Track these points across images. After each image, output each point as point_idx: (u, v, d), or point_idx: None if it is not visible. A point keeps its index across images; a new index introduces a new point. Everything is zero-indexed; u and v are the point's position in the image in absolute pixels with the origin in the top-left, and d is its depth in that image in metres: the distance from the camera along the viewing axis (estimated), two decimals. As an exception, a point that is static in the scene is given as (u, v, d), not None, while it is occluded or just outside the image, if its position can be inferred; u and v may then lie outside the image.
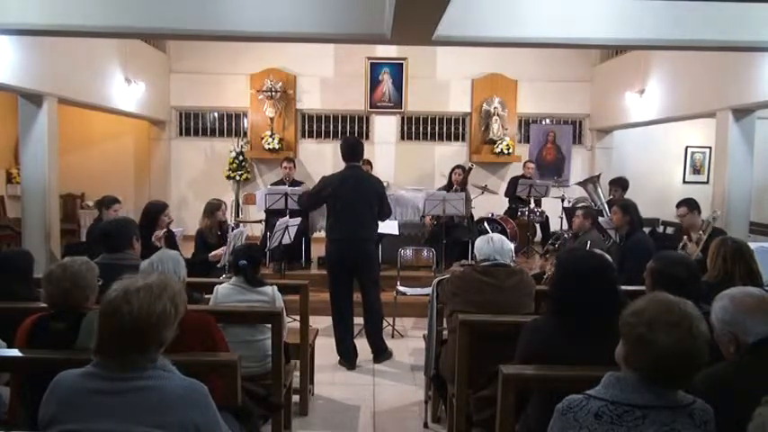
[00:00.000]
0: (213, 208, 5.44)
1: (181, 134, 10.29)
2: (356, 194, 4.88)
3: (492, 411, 2.42)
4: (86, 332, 2.30)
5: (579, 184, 8.74)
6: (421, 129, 10.33)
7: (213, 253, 5.10)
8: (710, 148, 9.66)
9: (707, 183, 9.80)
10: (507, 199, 8.80)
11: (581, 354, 2.15)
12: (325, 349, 4.90)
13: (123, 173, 10.12)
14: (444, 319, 3.59)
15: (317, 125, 10.26)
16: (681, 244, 4.84)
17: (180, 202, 10.03)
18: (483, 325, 3.02)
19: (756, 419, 1.42)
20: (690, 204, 5.20)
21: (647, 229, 5.74)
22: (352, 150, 5.01)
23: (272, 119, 9.67)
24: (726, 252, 3.28)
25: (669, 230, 8.42)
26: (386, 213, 5.13)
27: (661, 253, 2.88)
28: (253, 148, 9.84)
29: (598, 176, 8.58)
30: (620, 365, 1.70)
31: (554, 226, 8.67)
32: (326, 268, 5.14)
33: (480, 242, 3.42)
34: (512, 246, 3.43)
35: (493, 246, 3.34)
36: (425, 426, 3.86)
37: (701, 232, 4.78)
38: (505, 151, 9.71)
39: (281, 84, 9.67)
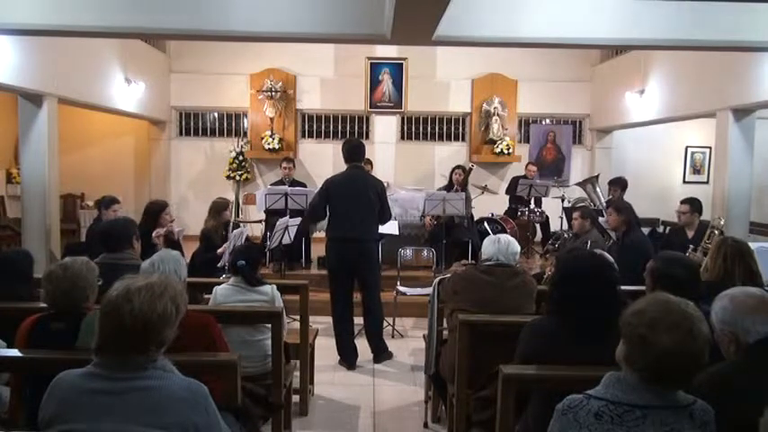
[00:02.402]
0: (220, 208, 5.40)
1: (181, 134, 10.28)
2: (357, 194, 4.88)
3: (492, 411, 2.42)
4: (86, 332, 2.30)
5: (578, 184, 8.75)
6: (421, 129, 10.33)
7: (220, 249, 5.11)
8: (710, 148, 9.67)
9: (707, 183, 9.80)
10: (507, 199, 8.80)
11: (581, 354, 2.15)
12: (325, 349, 4.90)
13: (123, 173, 10.12)
14: (444, 319, 3.59)
15: (317, 125, 10.26)
16: (686, 254, 4.84)
17: (180, 202, 10.03)
18: (483, 325, 3.02)
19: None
20: (693, 205, 5.27)
21: (647, 229, 5.76)
22: (355, 152, 5.02)
23: (272, 119, 9.67)
24: (726, 252, 3.28)
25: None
26: (386, 216, 5.12)
27: (661, 253, 2.88)
28: (253, 148, 9.84)
29: (597, 177, 8.59)
30: (620, 365, 1.70)
31: (554, 226, 8.67)
32: (327, 268, 5.13)
33: (487, 241, 3.42)
34: (518, 249, 3.42)
35: (498, 246, 3.34)
36: (425, 426, 3.86)
37: (707, 240, 4.79)
38: (505, 151, 9.71)
39: (281, 84, 9.67)
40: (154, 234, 4.51)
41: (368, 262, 4.95)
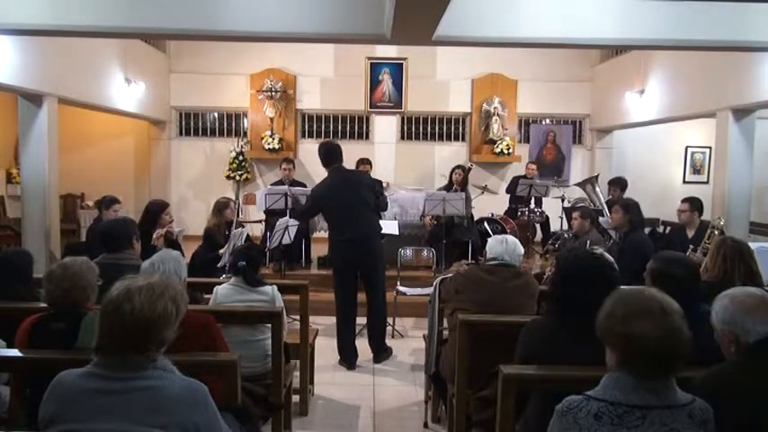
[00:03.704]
0: (222, 206, 5.46)
1: (181, 134, 10.28)
2: (348, 195, 4.86)
3: (492, 411, 2.42)
4: (86, 332, 2.30)
5: (578, 185, 8.74)
6: (421, 129, 10.33)
7: (222, 250, 5.12)
8: (710, 148, 9.67)
9: (707, 183, 9.80)
10: (507, 199, 8.80)
11: (581, 354, 2.15)
12: (325, 349, 4.91)
13: (123, 173, 10.12)
14: (445, 319, 3.59)
15: (317, 125, 10.26)
16: (687, 254, 4.84)
17: (180, 202, 10.03)
18: (483, 325, 3.02)
19: None
20: (693, 204, 5.27)
21: (647, 229, 5.75)
22: (333, 154, 4.96)
23: (272, 119, 9.67)
24: (726, 252, 3.28)
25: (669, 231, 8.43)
26: (382, 204, 5.12)
27: (661, 253, 2.87)
28: (253, 148, 9.84)
29: (596, 177, 8.59)
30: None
31: (554, 226, 8.67)
32: (332, 269, 5.09)
33: (493, 241, 3.42)
34: (522, 251, 3.43)
35: (505, 247, 3.34)
36: (425, 426, 3.86)
37: (707, 240, 4.79)
38: (505, 151, 9.71)
39: (281, 84, 9.66)
40: (154, 236, 4.51)
41: (373, 260, 4.93)
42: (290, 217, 6.10)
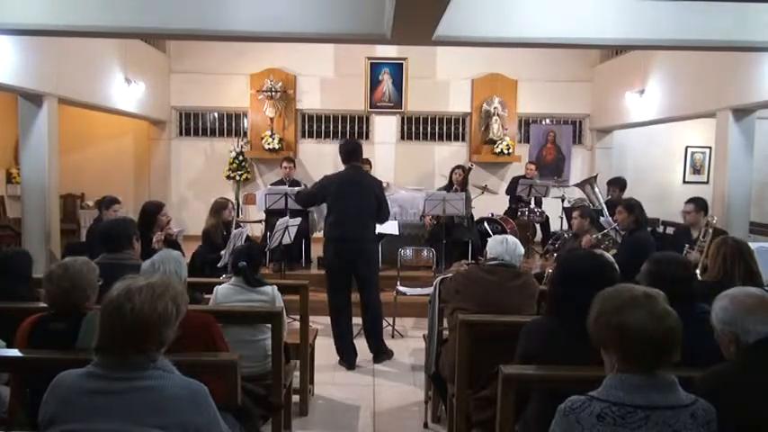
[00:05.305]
0: (219, 207, 5.44)
1: (181, 134, 10.28)
2: (356, 194, 4.88)
3: (492, 411, 2.42)
4: (86, 332, 2.30)
5: (577, 185, 8.74)
6: (421, 129, 10.33)
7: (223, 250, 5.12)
8: (710, 148, 9.67)
9: (707, 183, 9.80)
10: (507, 198, 8.80)
11: (581, 354, 2.14)
12: (325, 349, 4.90)
13: (123, 173, 10.12)
14: (445, 319, 3.59)
15: (317, 125, 10.26)
16: (684, 252, 4.84)
17: (180, 202, 10.03)
18: (483, 325, 3.02)
19: None
20: (698, 204, 5.27)
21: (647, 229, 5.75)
22: (353, 152, 5.02)
23: (272, 119, 9.67)
24: (726, 252, 3.28)
25: (669, 230, 8.42)
26: (384, 215, 5.13)
27: (655, 254, 2.85)
28: (253, 148, 9.84)
29: (595, 177, 8.58)
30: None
31: (554, 226, 8.67)
32: (325, 268, 5.11)
33: (494, 241, 3.42)
34: (523, 251, 3.44)
35: (506, 247, 3.34)
36: (425, 426, 3.86)
37: (702, 238, 4.79)
38: (505, 151, 9.71)
39: (281, 84, 9.67)
40: (154, 239, 4.51)
41: (367, 262, 4.95)
42: (295, 200, 5.96)
